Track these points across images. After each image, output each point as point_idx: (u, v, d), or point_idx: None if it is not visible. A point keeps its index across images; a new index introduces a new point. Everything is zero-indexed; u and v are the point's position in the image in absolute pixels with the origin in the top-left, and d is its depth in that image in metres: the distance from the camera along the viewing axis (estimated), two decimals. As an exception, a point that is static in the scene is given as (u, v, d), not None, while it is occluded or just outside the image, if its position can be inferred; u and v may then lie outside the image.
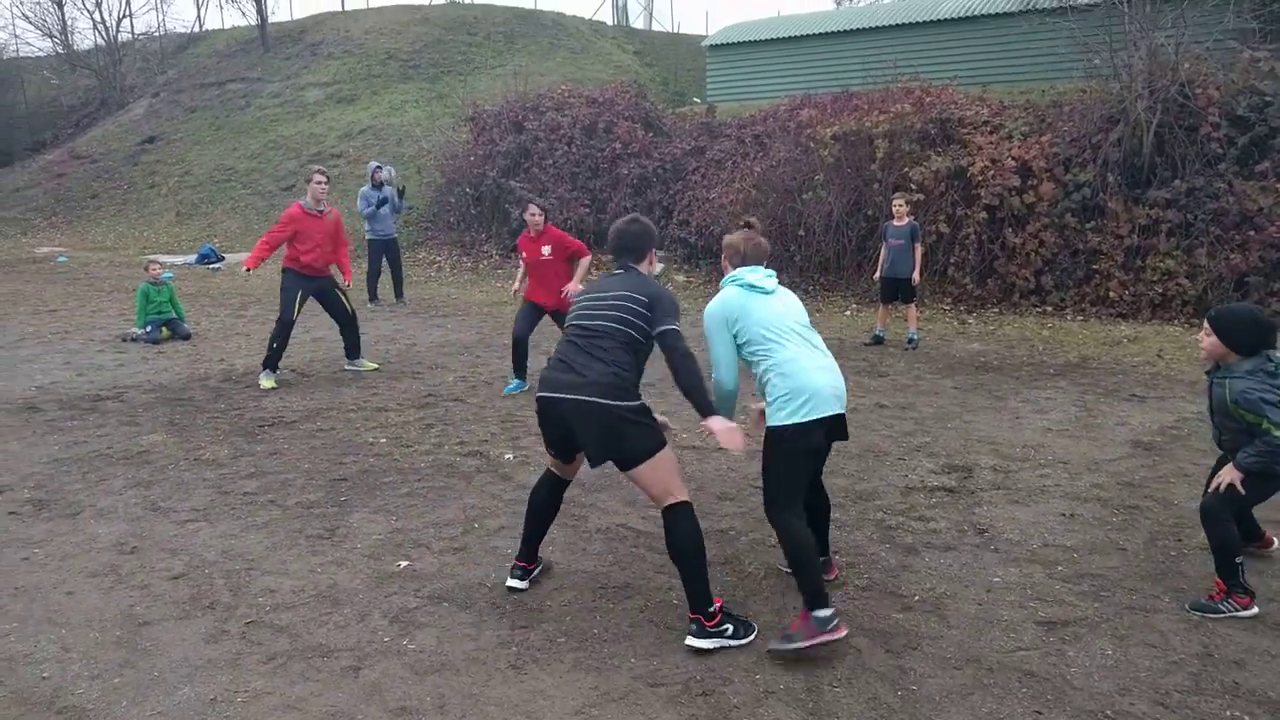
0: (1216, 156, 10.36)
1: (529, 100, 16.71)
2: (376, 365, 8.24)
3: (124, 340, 9.61)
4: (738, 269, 3.71)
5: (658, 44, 28.80)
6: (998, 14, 16.37)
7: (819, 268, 12.42)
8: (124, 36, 30.75)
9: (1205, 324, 3.70)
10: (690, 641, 3.33)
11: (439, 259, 16.12)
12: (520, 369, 7.40)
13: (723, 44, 20.40)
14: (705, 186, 13.86)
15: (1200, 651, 3.31)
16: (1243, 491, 3.58)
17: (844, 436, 3.58)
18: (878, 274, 9.29)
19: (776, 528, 3.44)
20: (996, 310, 10.91)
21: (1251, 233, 9.69)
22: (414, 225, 17.29)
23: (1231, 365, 3.62)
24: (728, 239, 3.82)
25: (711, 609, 3.36)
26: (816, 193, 12.08)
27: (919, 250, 9.00)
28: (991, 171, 11.09)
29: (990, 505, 4.78)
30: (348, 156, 20.06)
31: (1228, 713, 2.94)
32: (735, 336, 3.52)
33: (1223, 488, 3.60)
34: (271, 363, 7.61)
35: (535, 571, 3.92)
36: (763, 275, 3.63)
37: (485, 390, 7.44)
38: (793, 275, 12.41)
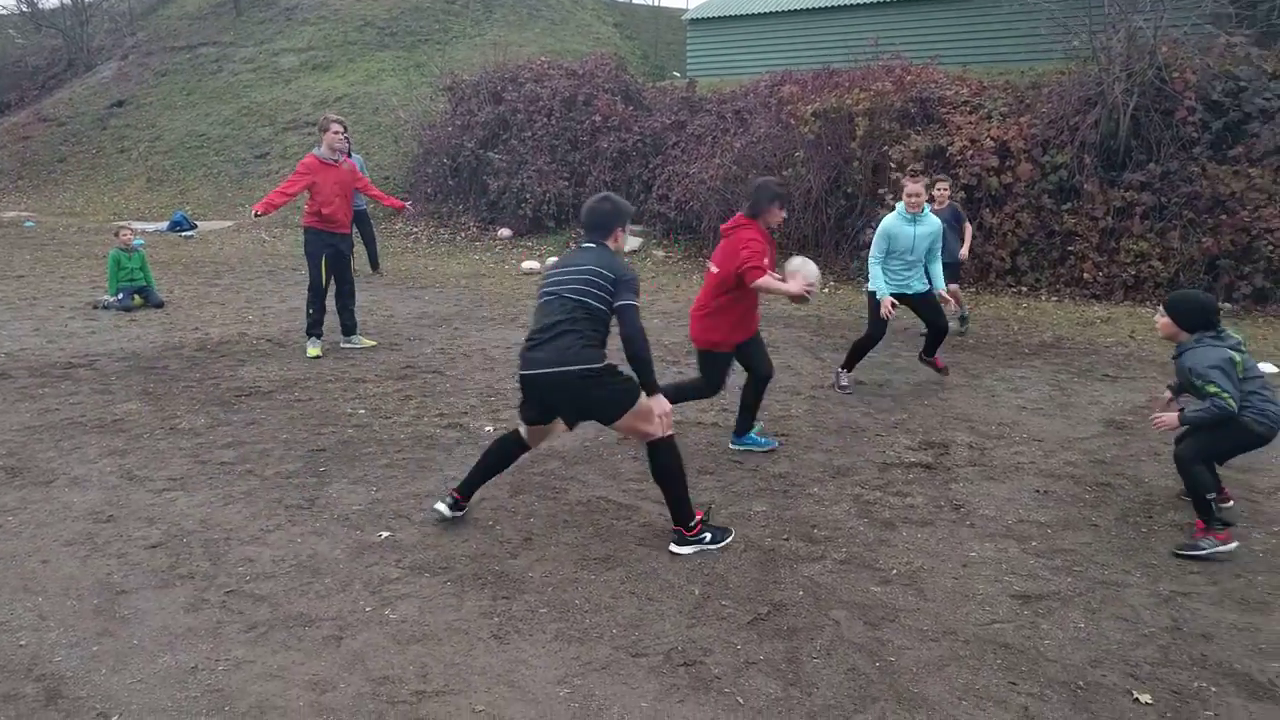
0: (1191, 140, 10.45)
1: (508, 71, 16.48)
2: (374, 342, 7.95)
3: (95, 307, 9.46)
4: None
5: (638, 17, 28.53)
6: (979, -7, 16.36)
7: (798, 244, 12.42)
8: (91, -3, 29.99)
9: (1160, 307, 4.31)
10: (673, 548, 3.93)
11: (415, 230, 15.95)
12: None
13: (704, 18, 20.24)
14: (685, 161, 13.78)
15: (1169, 625, 3.39)
16: (1204, 444, 4.12)
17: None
18: None
19: None
20: (973, 290, 10.99)
21: (1224, 216, 9.80)
22: (390, 195, 17.07)
23: (1182, 343, 4.18)
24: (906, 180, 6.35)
25: (692, 523, 3.94)
26: (796, 170, 12.07)
27: (968, 229, 8.82)
28: (970, 151, 11.12)
29: (966, 481, 4.85)
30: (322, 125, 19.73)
31: (1196, 684, 3.02)
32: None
33: (1164, 430, 4.20)
34: (314, 329, 7.50)
35: (464, 509, 4.23)
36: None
37: (464, 363, 7.40)
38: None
